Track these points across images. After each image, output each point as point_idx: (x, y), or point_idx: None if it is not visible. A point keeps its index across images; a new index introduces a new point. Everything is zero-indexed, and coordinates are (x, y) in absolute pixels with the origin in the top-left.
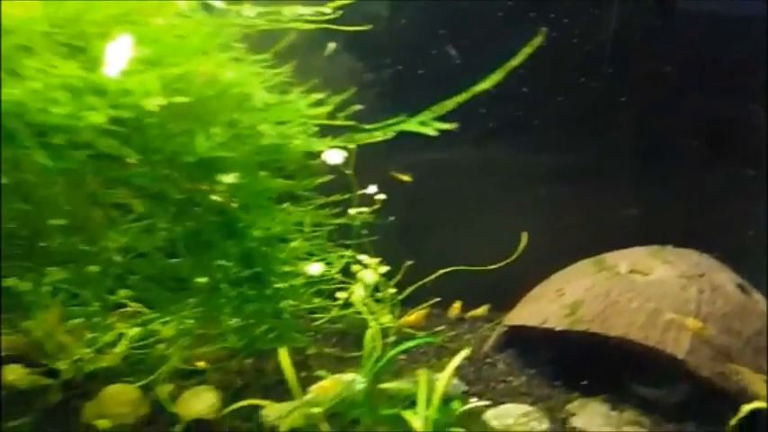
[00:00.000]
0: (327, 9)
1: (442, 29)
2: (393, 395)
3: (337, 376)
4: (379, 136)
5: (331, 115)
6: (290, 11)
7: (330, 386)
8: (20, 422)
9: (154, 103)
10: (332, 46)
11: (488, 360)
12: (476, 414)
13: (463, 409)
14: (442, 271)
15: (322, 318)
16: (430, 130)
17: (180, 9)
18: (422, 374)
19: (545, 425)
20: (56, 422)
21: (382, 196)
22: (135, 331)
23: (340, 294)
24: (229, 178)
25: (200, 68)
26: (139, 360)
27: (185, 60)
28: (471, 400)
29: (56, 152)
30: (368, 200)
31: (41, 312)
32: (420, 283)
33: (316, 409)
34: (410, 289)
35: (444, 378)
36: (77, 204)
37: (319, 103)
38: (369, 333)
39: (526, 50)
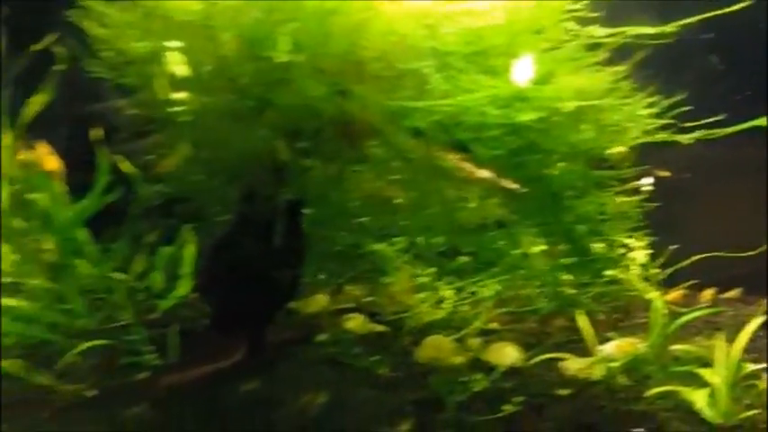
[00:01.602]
0: (670, 28)
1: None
2: (678, 356)
3: (627, 339)
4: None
5: (659, 116)
6: (634, 30)
7: (625, 346)
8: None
9: (569, 105)
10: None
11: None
12: (756, 375)
13: (748, 371)
14: (697, 257)
15: (590, 291)
16: None
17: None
18: (718, 340)
19: None
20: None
21: (650, 187)
22: (450, 293)
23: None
24: (562, 165)
25: (576, 80)
26: (451, 318)
27: (564, 72)
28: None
29: (486, 144)
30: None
31: (397, 273)
32: (679, 265)
33: (614, 363)
34: (670, 270)
35: (740, 343)
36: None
37: (651, 105)
38: (655, 303)
39: None
